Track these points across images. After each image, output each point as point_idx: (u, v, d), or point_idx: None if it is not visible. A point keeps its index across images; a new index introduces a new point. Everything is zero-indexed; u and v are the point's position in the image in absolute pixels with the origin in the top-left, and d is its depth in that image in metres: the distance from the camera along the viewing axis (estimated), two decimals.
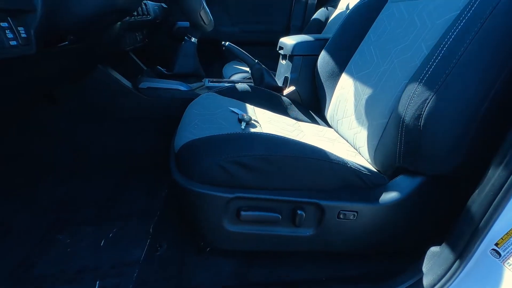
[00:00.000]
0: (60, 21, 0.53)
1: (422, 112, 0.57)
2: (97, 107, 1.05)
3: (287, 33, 2.20)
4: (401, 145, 0.62)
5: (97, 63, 0.98)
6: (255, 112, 1.00)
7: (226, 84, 1.30)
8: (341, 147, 0.93)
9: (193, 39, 1.17)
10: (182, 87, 1.15)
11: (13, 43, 0.45)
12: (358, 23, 1.03)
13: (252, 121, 0.81)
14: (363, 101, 0.87)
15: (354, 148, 0.92)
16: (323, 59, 1.11)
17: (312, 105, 1.21)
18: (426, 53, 0.65)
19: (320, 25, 1.95)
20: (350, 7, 1.71)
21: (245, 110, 0.95)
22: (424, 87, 0.57)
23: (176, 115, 1.11)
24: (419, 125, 0.58)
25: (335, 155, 0.65)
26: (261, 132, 0.67)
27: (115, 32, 0.89)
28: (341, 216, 0.62)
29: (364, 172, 0.66)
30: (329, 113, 1.08)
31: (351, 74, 0.99)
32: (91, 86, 1.01)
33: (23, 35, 0.46)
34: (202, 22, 0.72)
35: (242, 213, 0.59)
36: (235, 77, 1.55)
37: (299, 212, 0.60)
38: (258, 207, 0.60)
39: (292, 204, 0.61)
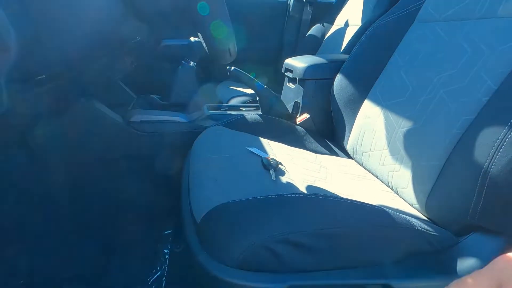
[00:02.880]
0: (41, 60, 0.37)
1: None
2: (78, 149, 0.87)
3: (280, 49, 2.11)
4: (480, 200, 0.50)
5: (79, 96, 0.81)
6: (271, 148, 0.87)
7: (229, 112, 1.16)
8: (373, 186, 0.81)
9: (191, 63, 1.03)
10: (181, 118, 1.00)
11: None
12: (380, 45, 0.93)
13: (279, 166, 0.68)
14: (400, 135, 0.76)
15: (388, 187, 0.81)
16: (340, 84, 1.00)
17: (327, 133, 1.09)
18: (495, 88, 0.55)
19: (315, 42, 1.87)
20: (350, 23, 1.64)
21: (262, 148, 0.82)
22: None
23: (176, 152, 0.95)
24: None
25: (398, 216, 0.52)
26: (306, 195, 0.53)
27: (104, 61, 0.74)
28: None
29: (432, 233, 0.54)
30: (349, 144, 0.97)
31: (377, 101, 0.88)
32: (72, 123, 0.84)
33: None
34: (228, 55, 0.59)
35: None
36: (234, 102, 1.41)
37: None
38: None
39: None
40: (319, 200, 0.50)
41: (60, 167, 0.83)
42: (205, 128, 0.95)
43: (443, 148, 0.62)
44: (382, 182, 0.83)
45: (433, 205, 0.62)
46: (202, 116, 1.09)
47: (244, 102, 1.39)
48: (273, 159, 0.69)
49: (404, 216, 0.53)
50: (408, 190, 0.71)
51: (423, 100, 0.72)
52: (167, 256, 0.79)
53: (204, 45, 0.65)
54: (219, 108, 1.21)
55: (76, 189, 0.86)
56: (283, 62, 2.14)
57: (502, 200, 0.47)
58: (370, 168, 0.88)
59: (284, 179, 0.63)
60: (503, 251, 0.51)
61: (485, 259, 0.51)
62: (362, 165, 0.93)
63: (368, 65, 0.95)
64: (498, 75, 0.55)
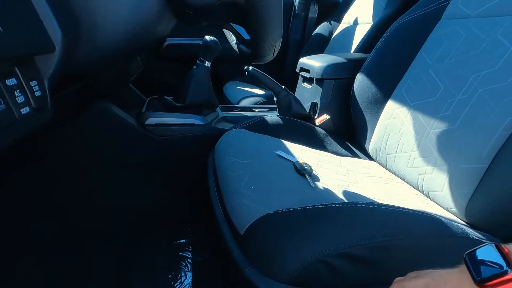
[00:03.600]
0: (78, 62, 0.33)
1: None
2: (90, 155, 0.82)
3: (286, 48, 2.07)
4: None
5: (95, 100, 0.76)
6: (296, 151, 0.83)
7: (244, 113, 1.12)
8: (403, 189, 0.78)
9: (206, 63, 0.99)
10: (197, 120, 0.96)
11: (25, 110, 0.25)
12: (403, 43, 0.91)
13: (313, 172, 0.65)
14: (432, 136, 0.74)
15: (418, 190, 0.78)
16: (362, 84, 0.97)
17: (346, 135, 1.06)
18: None
19: (323, 40, 1.84)
20: (359, 21, 1.61)
21: (288, 151, 0.78)
22: None
23: (194, 156, 0.91)
24: None
25: (452, 224, 0.49)
26: (356, 205, 0.49)
27: (123, 61, 0.69)
28: None
29: (484, 242, 0.51)
30: (372, 145, 0.94)
31: (403, 101, 0.85)
32: (87, 128, 0.79)
33: (37, 94, 0.27)
34: (272, 54, 0.55)
35: None
36: (245, 102, 1.38)
37: None
38: None
39: None
40: (371, 209, 0.47)
41: (74, 173, 0.78)
42: (222, 130, 0.91)
43: (487, 150, 0.59)
44: (410, 185, 0.81)
45: (476, 209, 0.60)
46: (216, 118, 1.05)
47: (256, 103, 1.35)
48: (305, 163, 0.65)
49: (457, 224, 0.50)
50: (444, 193, 0.69)
51: (458, 100, 0.70)
52: (189, 266, 0.75)
53: (234, 43, 0.62)
54: (231, 110, 1.18)
55: (91, 195, 0.82)
56: (289, 61, 2.10)
57: None
58: (396, 171, 0.86)
59: (321, 185, 0.60)
60: None
61: None
62: (386, 167, 0.90)
63: (392, 64, 0.92)
64: None
